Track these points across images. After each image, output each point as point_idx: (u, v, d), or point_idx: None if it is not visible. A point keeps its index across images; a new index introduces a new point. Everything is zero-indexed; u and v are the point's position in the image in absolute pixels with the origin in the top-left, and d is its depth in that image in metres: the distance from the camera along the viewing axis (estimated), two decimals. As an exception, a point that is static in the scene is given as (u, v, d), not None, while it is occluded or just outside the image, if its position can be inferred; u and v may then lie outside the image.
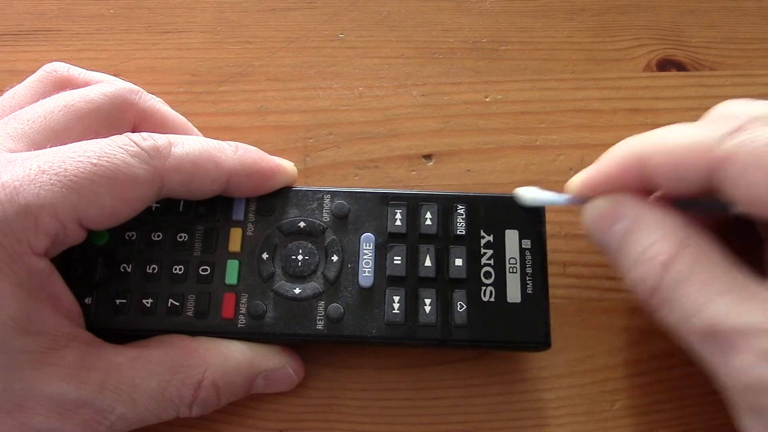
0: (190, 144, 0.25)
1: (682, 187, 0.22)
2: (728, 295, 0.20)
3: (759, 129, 0.20)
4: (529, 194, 0.26)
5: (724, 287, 0.20)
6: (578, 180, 0.25)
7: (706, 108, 0.33)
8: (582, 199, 0.25)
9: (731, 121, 0.21)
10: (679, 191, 0.22)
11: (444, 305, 0.25)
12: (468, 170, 0.32)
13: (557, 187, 0.26)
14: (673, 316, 0.21)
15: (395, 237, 0.26)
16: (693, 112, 0.33)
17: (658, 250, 0.22)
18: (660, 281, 0.21)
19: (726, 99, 0.33)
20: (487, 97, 0.33)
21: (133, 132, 0.25)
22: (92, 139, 0.24)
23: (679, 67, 0.34)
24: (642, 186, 0.23)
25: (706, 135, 0.21)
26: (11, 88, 0.27)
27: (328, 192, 0.27)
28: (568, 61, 0.34)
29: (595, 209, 0.24)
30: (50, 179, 0.22)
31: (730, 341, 0.20)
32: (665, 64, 0.34)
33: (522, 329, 0.25)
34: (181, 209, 0.27)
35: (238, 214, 0.27)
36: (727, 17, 0.35)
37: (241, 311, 0.25)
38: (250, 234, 0.26)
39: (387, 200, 0.27)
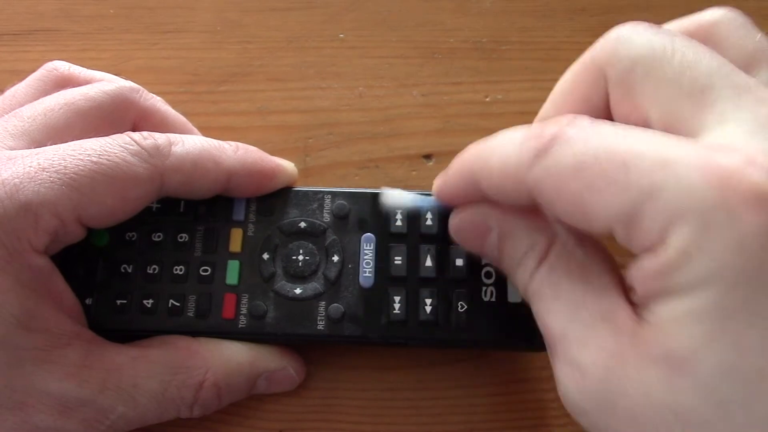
0: (190, 143, 0.25)
1: (518, 204, 0.21)
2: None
3: (562, 148, 0.18)
4: (392, 196, 0.25)
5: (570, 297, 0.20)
6: (437, 185, 0.24)
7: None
8: (446, 204, 0.24)
9: (552, 126, 0.19)
10: (519, 205, 0.21)
11: (444, 305, 0.25)
12: (468, 170, 0.31)
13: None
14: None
15: (396, 237, 0.26)
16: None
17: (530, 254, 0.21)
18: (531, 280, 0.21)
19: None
20: (487, 97, 0.33)
21: (132, 130, 0.24)
22: (92, 137, 0.24)
23: (679, 67, 0.34)
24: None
25: (517, 159, 0.19)
26: (12, 87, 0.27)
27: (329, 192, 0.27)
28: (568, 61, 0.34)
29: (461, 222, 0.23)
30: (50, 177, 0.22)
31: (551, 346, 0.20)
32: (665, 65, 0.34)
33: (522, 329, 0.25)
34: (181, 209, 0.26)
35: (239, 215, 0.26)
36: (727, 18, 0.35)
37: (241, 311, 0.25)
38: (251, 234, 0.26)
39: (387, 200, 0.27)
